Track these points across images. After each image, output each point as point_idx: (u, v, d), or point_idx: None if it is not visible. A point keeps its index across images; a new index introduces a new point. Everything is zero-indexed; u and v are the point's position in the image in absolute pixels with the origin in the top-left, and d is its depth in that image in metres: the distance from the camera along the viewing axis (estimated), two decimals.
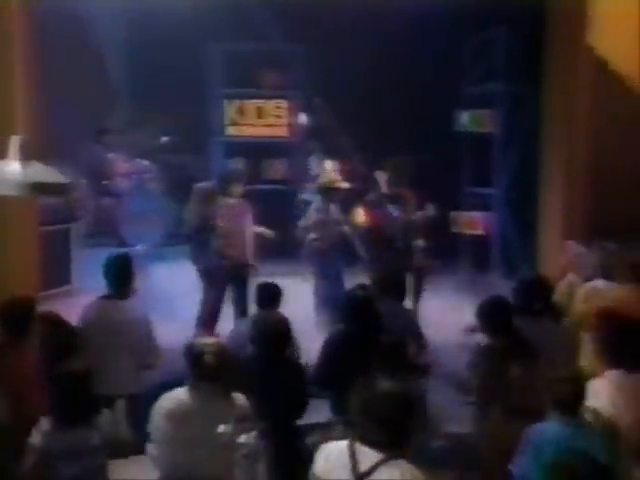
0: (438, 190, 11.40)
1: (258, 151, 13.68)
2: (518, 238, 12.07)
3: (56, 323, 7.24)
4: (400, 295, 7.68)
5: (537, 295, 7.10)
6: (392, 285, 7.63)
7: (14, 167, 4.63)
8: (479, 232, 12.40)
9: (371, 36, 12.53)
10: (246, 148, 13.71)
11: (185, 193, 12.91)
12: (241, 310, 9.37)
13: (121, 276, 6.99)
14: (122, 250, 7.41)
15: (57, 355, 6.62)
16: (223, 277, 9.45)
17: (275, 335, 6.08)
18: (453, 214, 12.12)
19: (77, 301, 10.14)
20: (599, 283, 7.98)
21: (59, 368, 5.53)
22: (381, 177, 10.80)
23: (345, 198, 11.62)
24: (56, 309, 8.37)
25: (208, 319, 9.39)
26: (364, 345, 6.24)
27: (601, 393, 5.36)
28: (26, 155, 4.55)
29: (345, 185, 10.76)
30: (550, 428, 5.04)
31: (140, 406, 6.38)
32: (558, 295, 8.48)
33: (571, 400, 5.05)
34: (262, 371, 5.98)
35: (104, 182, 12.16)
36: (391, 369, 5.62)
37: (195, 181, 13.24)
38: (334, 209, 10.51)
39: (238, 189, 9.56)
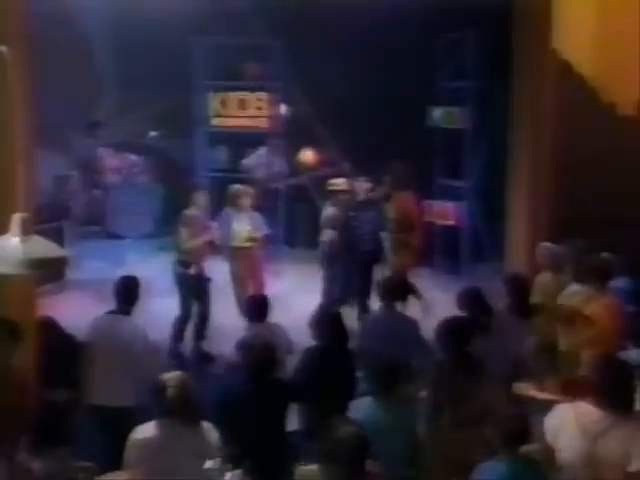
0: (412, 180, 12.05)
1: (240, 141, 14.21)
2: (487, 228, 12.69)
3: (52, 328, 7.69)
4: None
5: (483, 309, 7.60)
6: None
7: (15, 245, 4.66)
8: (450, 222, 12.96)
9: (349, 32, 12.99)
10: (229, 138, 14.26)
11: (171, 182, 13.62)
12: (202, 317, 10.01)
13: (128, 296, 7.44)
14: (131, 273, 7.84)
15: (53, 360, 7.19)
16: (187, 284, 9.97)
17: (259, 362, 6.40)
18: (426, 204, 12.57)
19: (71, 296, 10.73)
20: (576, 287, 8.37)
21: (49, 389, 5.90)
22: (362, 185, 11.26)
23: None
24: (52, 305, 8.98)
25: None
26: (339, 361, 6.73)
27: (565, 421, 5.57)
28: (26, 231, 4.66)
29: (352, 188, 11.15)
30: (498, 467, 5.23)
31: (130, 419, 6.80)
32: (534, 295, 9.10)
33: (516, 438, 5.25)
34: (249, 394, 6.35)
35: (95, 176, 12.67)
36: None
37: (181, 170, 13.94)
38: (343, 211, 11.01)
39: (202, 198, 10.15)
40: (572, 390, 6.97)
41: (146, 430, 5.68)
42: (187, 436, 5.60)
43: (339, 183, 11.19)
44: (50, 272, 4.57)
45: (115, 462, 6.03)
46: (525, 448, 5.35)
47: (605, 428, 5.45)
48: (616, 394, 5.57)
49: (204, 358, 9.65)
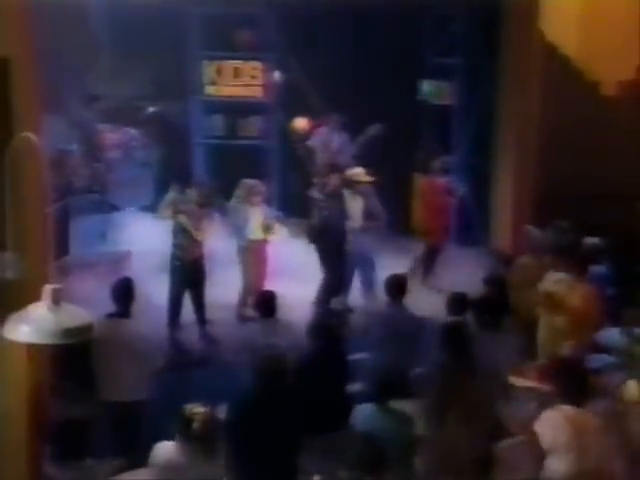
0: (401, 153, 12.49)
1: (235, 109, 14.45)
2: (475, 202, 13.12)
3: None
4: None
5: (493, 310, 8.10)
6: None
7: (46, 315, 4.77)
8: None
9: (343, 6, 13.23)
10: (224, 106, 14.52)
11: (168, 146, 13.96)
12: (198, 306, 10.38)
13: (125, 298, 7.93)
14: (127, 276, 8.36)
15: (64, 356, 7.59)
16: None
17: (273, 374, 6.74)
18: (417, 176, 12.87)
19: (76, 276, 11.08)
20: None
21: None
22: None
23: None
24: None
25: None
26: (339, 364, 7.20)
27: (555, 425, 6.22)
28: (56, 300, 4.78)
29: (369, 178, 11.45)
30: None
31: (143, 412, 7.45)
32: (513, 277, 9.57)
33: (481, 469, 5.84)
34: (262, 404, 6.70)
35: (96, 151, 13.01)
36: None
37: (178, 134, 14.26)
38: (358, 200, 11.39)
39: (194, 196, 10.39)
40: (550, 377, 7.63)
41: (167, 451, 6.00)
42: (206, 460, 5.95)
43: (359, 173, 11.49)
44: (78, 340, 4.81)
45: (126, 455, 6.60)
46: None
47: (585, 423, 6.21)
48: (577, 392, 6.33)
49: (210, 343, 10.13)
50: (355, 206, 11.30)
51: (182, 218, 10.20)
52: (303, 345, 7.87)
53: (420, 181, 12.28)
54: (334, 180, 11.18)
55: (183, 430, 5.93)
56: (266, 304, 8.33)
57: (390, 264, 11.65)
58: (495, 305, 8.32)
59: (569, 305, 8.62)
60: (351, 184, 11.36)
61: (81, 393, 7.40)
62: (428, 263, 12.28)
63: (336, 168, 11.62)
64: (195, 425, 5.89)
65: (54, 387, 7.13)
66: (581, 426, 6.19)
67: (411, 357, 8.13)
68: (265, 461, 6.35)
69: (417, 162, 12.39)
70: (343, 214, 11.11)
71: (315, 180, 11.88)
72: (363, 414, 6.69)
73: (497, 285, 8.84)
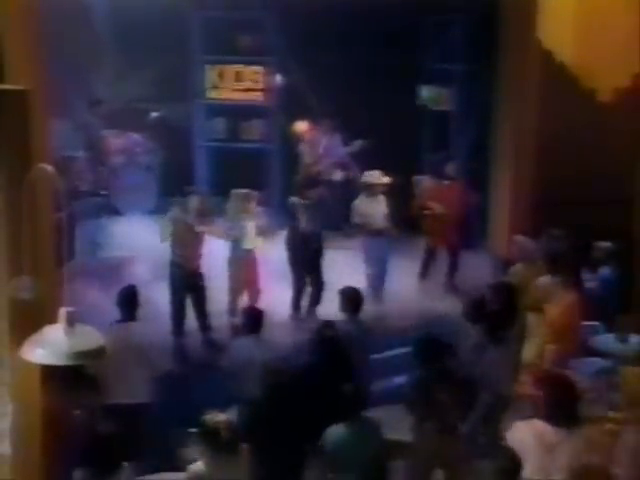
0: (400, 156, 12.62)
1: (237, 112, 14.63)
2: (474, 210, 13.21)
3: None
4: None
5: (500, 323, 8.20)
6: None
7: (61, 338, 4.85)
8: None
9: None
10: (226, 110, 14.70)
11: (170, 149, 14.13)
12: (199, 313, 10.49)
13: (130, 305, 8.25)
14: (131, 284, 8.60)
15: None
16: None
17: (277, 386, 7.09)
18: (415, 179, 13.02)
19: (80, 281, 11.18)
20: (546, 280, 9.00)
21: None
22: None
23: None
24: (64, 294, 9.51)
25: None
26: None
27: (520, 435, 6.34)
28: (71, 323, 4.87)
29: (387, 180, 11.65)
30: None
31: (149, 414, 7.67)
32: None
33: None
34: (271, 413, 7.02)
35: (101, 156, 13.17)
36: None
37: (180, 137, 14.43)
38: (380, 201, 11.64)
39: (194, 204, 10.43)
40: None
41: (199, 468, 6.09)
42: (234, 465, 6.09)
43: (375, 176, 11.67)
44: (92, 362, 4.93)
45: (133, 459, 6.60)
46: None
47: (557, 442, 6.25)
48: (561, 412, 6.33)
49: (214, 348, 10.25)
50: (375, 208, 11.53)
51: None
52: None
53: (428, 185, 12.39)
54: (314, 193, 11.35)
55: (211, 441, 6.01)
56: (253, 321, 8.46)
57: (391, 266, 11.88)
58: (504, 317, 8.41)
59: (548, 315, 8.79)
60: (369, 187, 11.55)
61: (90, 402, 7.57)
62: (429, 265, 12.44)
63: (318, 180, 11.88)
64: (223, 433, 5.98)
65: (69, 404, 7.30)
66: (548, 442, 6.25)
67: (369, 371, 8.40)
68: (273, 462, 6.61)
69: (429, 166, 12.50)
70: (320, 224, 11.30)
71: (298, 182, 12.03)
72: (332, 435, 6.81)
73: (503, 291, 8.92)
